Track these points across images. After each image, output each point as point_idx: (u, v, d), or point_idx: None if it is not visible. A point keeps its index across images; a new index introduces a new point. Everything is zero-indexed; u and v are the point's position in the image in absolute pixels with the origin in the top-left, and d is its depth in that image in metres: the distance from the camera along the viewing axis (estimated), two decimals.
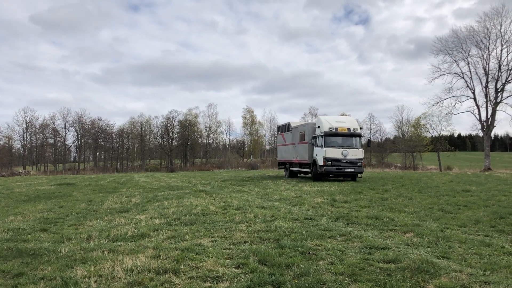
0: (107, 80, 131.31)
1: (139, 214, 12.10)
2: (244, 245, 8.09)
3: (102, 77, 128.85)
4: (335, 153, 24.60)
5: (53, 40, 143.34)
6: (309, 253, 7.40)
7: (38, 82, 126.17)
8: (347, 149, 24.78)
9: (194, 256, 7.19)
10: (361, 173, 25.73)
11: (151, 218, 11.36)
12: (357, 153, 25.03)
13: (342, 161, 24.62)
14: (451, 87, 49.32)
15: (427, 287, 5.69)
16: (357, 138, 25.54)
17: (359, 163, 24.76)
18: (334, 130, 24.92)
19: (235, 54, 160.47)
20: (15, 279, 6.13)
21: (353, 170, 24.80)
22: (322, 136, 25.06)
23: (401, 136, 76.17)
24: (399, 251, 7.49)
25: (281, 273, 6.25)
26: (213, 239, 8.69)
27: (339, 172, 24.83)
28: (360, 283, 5.83)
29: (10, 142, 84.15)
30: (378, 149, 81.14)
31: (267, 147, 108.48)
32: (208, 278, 6.08)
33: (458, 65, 48.58)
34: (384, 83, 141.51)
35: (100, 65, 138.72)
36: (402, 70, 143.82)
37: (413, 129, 71.83)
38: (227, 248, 7.86)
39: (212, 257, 7.10)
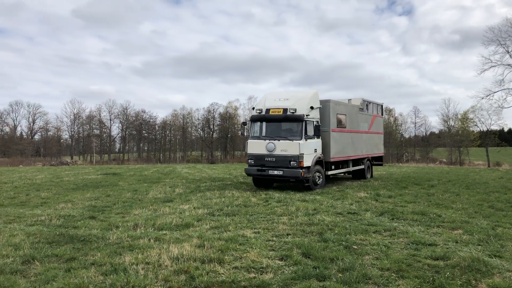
0: (147, 72, 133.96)
1: (183, 204, 12.31)
2: (287, 238, 8.08)
3: (143, 70, 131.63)
4: (258, 147, 16.36)
5: (95, 34, 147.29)
6: (353, 247, 7.29)
7: (82, 75, 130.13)
8: (274, 141, 16.03)
9: (237, 246, 7.25)
10: (298, 179, 15.89)
11: (194, 208, 11.53)
12: (289, 147, 15.70)
13: (266, 159, 16.17)
14: (503, 79, 46.94)
15: (479, 286, 5.49)
16: (294, 124, 16.09)
17: (292, 163, 15.58)
18: (263, 113, 16.52)
19: (274, 46, 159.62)
20: (68, 263, 6.37)
21: (281, 173, 15.85)
22: (250, 122, 17.30)
23: (447, 130, 73.70)
24: (447, 248, 7.26)
25: (326, 266, 6.20)
26: (255, 230, 8.73)
27: (262, 176, 16.52)
28: (407, 279, 5.69)
29: (58, 132, 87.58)
30: (422, 143, 78.93)
31: None
32: (252, 269, 6.11)
33: (511, 56, 46.34)
34: (428, 75, 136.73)
35: (141, 58, 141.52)
36: (447, 62, 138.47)
37: (460, 123, 69.37)
38: (270, 240, 7.87)
39: (255, 248, 7.13)
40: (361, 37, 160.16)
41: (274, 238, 8.01)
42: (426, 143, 78.20)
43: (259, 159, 16.38)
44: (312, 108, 16.26)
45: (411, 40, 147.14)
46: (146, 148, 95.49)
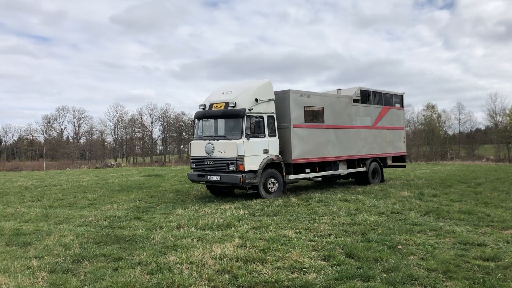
0: (185, 75, 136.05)
1: (224, 204, 12.43)
2: (329, 238, 8.00)
3: (181, 73, 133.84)
4: (199, 148, 14.29)
5: (134, 39, 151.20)
6: (398, 247, 7.14)
7: (123, 80, 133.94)
8: (213, 142, 13.83)
9: (279, 246, 7.25)
10: (237, 186, 13.67)
11: (235, 208, 11.62)
12: (227, 148, 13.40)
13: (205, 162, 14.02)
14: None
15: None
16: (233, 121, 13.66)
17: (231, 167, 13.19)
18: (207, 109, 14.44)
19: (310, 45, 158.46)
20: (115, 263, 6.57)
21: (218, 178, 13.60)
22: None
23: (494, 126, 70.89)
24: (498, 249, 6.98)
25: (370, 267, 6.10)
26: (297, 230, 8.70)
27: (201, 181, 14.45)
28: (455, 281, 5.52)
29: (102, 136, 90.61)
30: (467, 140, 76.28)
31: None
32: (295, 269, 6.09)
33: None
34: (472, 69, 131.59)
35: (178, 61, 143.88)
36: (492, 55, 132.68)
37: (508, 118, 66.62)
38: (311, 240, 7.83)
39: (297, 249, 7.11)
40: (400, 33, 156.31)
41: (316, 238, 7.95)
42: (472, 140, 75.55)
43: (199, 163, 14.20)
44: (256, 100, 13.58)
45: (453, 33, 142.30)
46: (186, 150, 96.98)
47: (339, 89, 18.05)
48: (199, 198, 14.23)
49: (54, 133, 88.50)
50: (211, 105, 14.29)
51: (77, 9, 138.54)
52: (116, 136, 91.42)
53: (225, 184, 13.67)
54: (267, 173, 13.88)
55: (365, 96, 17.89)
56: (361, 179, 17.91)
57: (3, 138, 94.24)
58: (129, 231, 8.93)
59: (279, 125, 14.40)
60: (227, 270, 6.02)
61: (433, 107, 75.62)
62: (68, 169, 44.88)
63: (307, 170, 15.42)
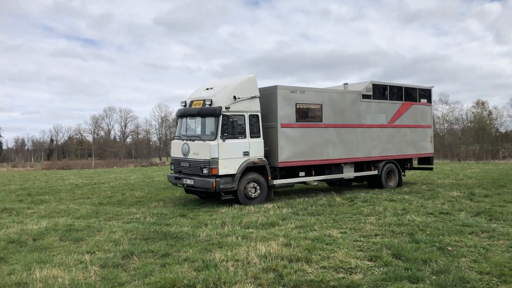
0: (226, 75, 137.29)
1: (267, 203, 12.46)
2: (375, 238, 7.86)
3: (222, 72, 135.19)
4: (177, 149, 13.41)
5: (177, 40, 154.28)
6: (448, 249, 6.92)
7: (167, 80, 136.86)
8: (189, 142, 12.90)
9: (324, 246, 7.19)
10: (210, 192, 12.45)
11: (278, 207, 11.62)
12: (200, 150, 12.38)
13: (182, 164, 13.15)
14: None
15: None
16: (208, 120, 12.68)
17: (204, 170, 12.08)
18: (187, 106, 13.52)
19: (353, 42, 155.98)
20: (163, 259, 6.73)
21: (192, 183, 12.52)
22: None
23: None
24: None
25: (418, 268, 5.95)
26: (342, 230, 8.60)
27: (179, 184, 13.25)
28: (510, 285, 5.28)
29: (148, 135, 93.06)
30: None
31: None
32: (341, 269, 6.03)
33: None
34: None
35: (219, 61, 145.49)
36: None
37: None
38: (357, 240, 7.71)
39: (343, 249, 7.03)
40: (448, 28, 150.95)
41: (362, 239, 7.83)
42: None
43: (177, 164, 13.37)
44: (235, 98, 12.36)
45: (506, 27, 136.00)
46: None
47: (346, 84, 16.30)
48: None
49: (102, 133, 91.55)
50: (191, 103, 13.28)
51: (122, 12, 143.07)
52: (160, 135, 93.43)
53: (199, 189, 12.62)
54: (248, 178, 12.58)
55: (379, 91, 15.92)
56: (374, 183, 16.19)
57: (54, 138, 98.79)
58: (175, 228, 9.12)
59: (265, 125, 13.11)
60: (272, 269, 6.04)
61: (483, 103, 72.52)
62: (115, 167, 46.35)
63: (302, 173, 13.85)
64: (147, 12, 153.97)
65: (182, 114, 13.48)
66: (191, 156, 12.63)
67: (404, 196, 13.51)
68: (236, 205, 12.12)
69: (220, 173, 11.97)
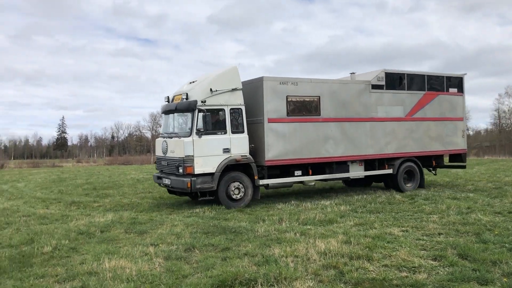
0: (279, 70, 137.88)
1: (324, 200, 12.38)
2: (438, 237, 7.60)
3: (275, 69, 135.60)
4: (159, 147, 12.77)
5: (230, 37, 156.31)
6: None
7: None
8: (167, 140, 12.25)
9: (385, 244, 7.04)
10: (186, 192, 11.87)
11: (336, 204, 11.50)
12: (176, 148, 11.69)
13: (162, 163, 12.56)
14: None
15: None
16: (184, 116, 12.07)
17: (180, 169, 11.38)
18: (170, 102, 12.75)
19: (409, 34, 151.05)
20: (223, 253, 6.87)
21: (169, 182, 11.90)
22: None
23: None
24: None
25: (487, 269, 5.68)
26: (403, 228, 8.38)
27: (161, 185, 12.66)
28: None
29: None
30: None
31: None
32: (403, 268, 5.88)
33: None
34: None
35: (272, 57, 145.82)
36: None
37: None
38: (420, 239, 7.49)
39: (405, 247, 6.85)
40: None
41: (425, 237, 7.59)
42: None
43: (159, 163, 12.75)
44: (211, 91, 11.51)
45: None
46: None
47: (353, 73, 14.86)
48: (298, 193, 14.31)
49: (160, 129, 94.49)
50: (173, 98, 12.58)
51: (177, 11, 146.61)
52: None
53: (176, 189, 11.92)
54: (230, 177, 11.70)
55: (394, 81, 14.22)
56: (391, 183, 14.44)
57: (115, 135, 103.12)
58: (234, 223, 9.26)
59: (252, 120, 12.22)
60: (333, 266, 5.99)
61: None
62: None
63: (298, 172, 12.64)
64: (201, 10, 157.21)
65: (163, 110, 12.82)
66: (169, 154, 11.97)
67: (468, 194, 12.94)
68: (292, 202, 12.12)
69: (196, 172, 11.15)
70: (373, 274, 5.66)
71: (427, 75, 14.92)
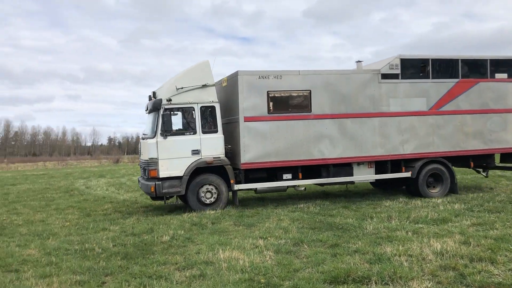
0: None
1: (437, 198, 11.71)
2: None
3: (372, 61, 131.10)
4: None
5: (327, 31, 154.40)
6: None
7: None
8: (141, 141, 11.95)
9: (511, 247, 6.47)
10: (153, 196, 10.92)
11: (449, 202, 10.83)
12: (143, 150, 11.26)
13: (139, 165, 12.34)
14: None
15: None
16: (152, 116, 11.38)
17: (146, 172, 10.98)
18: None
19: None
20: (332, 249, 6.82)
21: (140, 186, 11.75)
22: None
23: None
24: None
25: None
26: None
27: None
28: None
29: None
30: None
31: None
32: None
33: None
34: None
35: (370, 49, 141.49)
36: None
37: None
38: None
39: None
40: None
41: None
42: None
43: (140, 167, 12.13)
44: (177, 88, 10.74)
45: None
46: None
47: (360, 61, 12.81)
48: (404, 190, 13.73)
49: None
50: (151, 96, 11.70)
51: (273, 7, 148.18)
52: None
53: (147, 194, 11.31)
54: (201, 180, 10.92)
55: (413, 68, 12.19)
56: (413, 188, 12.43)
57: None
58: (340, 220, 9.15)
59: (229, 119, 11.49)
60: (451, 267, 5.65)
61: None
62: None
63: (287, 176, 11.44)
64: (296, 5, 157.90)
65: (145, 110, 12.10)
66: (140, 156, 11.65)
67: None
68: (400, 199, 11.65)
69: (161, 176, 10.56)
70: (499, 278, 5.23)
71: (462, 59, 12.48)
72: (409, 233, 7.61)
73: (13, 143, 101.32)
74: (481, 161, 13.01)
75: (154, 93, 11.26)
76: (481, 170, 13.46)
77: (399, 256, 6.21)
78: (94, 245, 7.66)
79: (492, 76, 12.68)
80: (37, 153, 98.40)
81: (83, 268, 6.29)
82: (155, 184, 10.50)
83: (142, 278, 5.72)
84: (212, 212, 10.46)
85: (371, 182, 13.52)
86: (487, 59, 12.68)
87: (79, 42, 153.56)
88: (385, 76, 11.92)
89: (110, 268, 6.25)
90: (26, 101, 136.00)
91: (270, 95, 11.14)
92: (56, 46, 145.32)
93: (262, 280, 5.43)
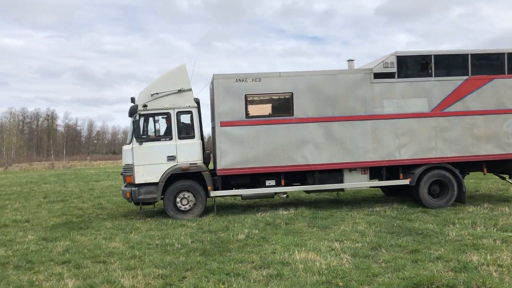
0: None
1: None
2: None
3: None
4: None
5: (400, 28, 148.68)
6: None
7: None
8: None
9: None
10: (131, 203, 11.30)
11: None
12: (122, 156, 11.18)
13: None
14: None
15: None
16: (131, 123, 10.90)
17: (125, 175, 10.91)
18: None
19: None
20: (413, 255, 6.56)
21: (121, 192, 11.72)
22: None
23: None
24: None
25: None
26: None
27: None
28: None
29: None
30: None
31: None
32: None
33: None
34: None
35: (448, 46, 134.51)
36: None
37: None
38: None
39: None
40: None
41: None
42: None
43: None
44: (151, 94, 10.60)
45: None
46: None
47: (351, 60, 12.03)
48: (491, 196, 12.87)
49: None
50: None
51: (345, 6, 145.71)
52: None
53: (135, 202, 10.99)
54: (178, 187, 10.73)
55: (412, 66, 11.16)
56: (415, 196, 11.40)
57: None
58: (419, 225, 8.78)
59: (212, 123, 11.22)
60: None
61: None
62: None
63: (270, 182, 10.97)
64: (369, 3, 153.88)
65: None
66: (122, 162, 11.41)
67: None
68: (485, 205, 10.94)
69: (137, 182, 10.51)
70: None
71: (472, 54, 11.19)
72: (497, 241, 7.14)
73: (95, 141, 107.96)
74: (498, 167, 11.62)
75: (133, 98, 11.15)
76: (506, 176, 11.86)
77: (487, 265, 5.84)
78: (174, 240, 7.98)
79: (510, 72, 11.29)
80: (117, 151, 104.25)
81: (164, 262, 6.57)
82: (131, 190, 10.54)
83: (221, 274, 5.85)
84: (286, 212, 10.48)
85: (381, 188, 12.90)
86: (504, 53, 11.30)
87: (155, 46, 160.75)
88: (378, 75, 11.07)
89: (190, 263, 6.46)
90: (107, 102, 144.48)
91: (248, 99, 10.80)
92: (134, 50, 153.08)
93: (340, 283, 5.35)
